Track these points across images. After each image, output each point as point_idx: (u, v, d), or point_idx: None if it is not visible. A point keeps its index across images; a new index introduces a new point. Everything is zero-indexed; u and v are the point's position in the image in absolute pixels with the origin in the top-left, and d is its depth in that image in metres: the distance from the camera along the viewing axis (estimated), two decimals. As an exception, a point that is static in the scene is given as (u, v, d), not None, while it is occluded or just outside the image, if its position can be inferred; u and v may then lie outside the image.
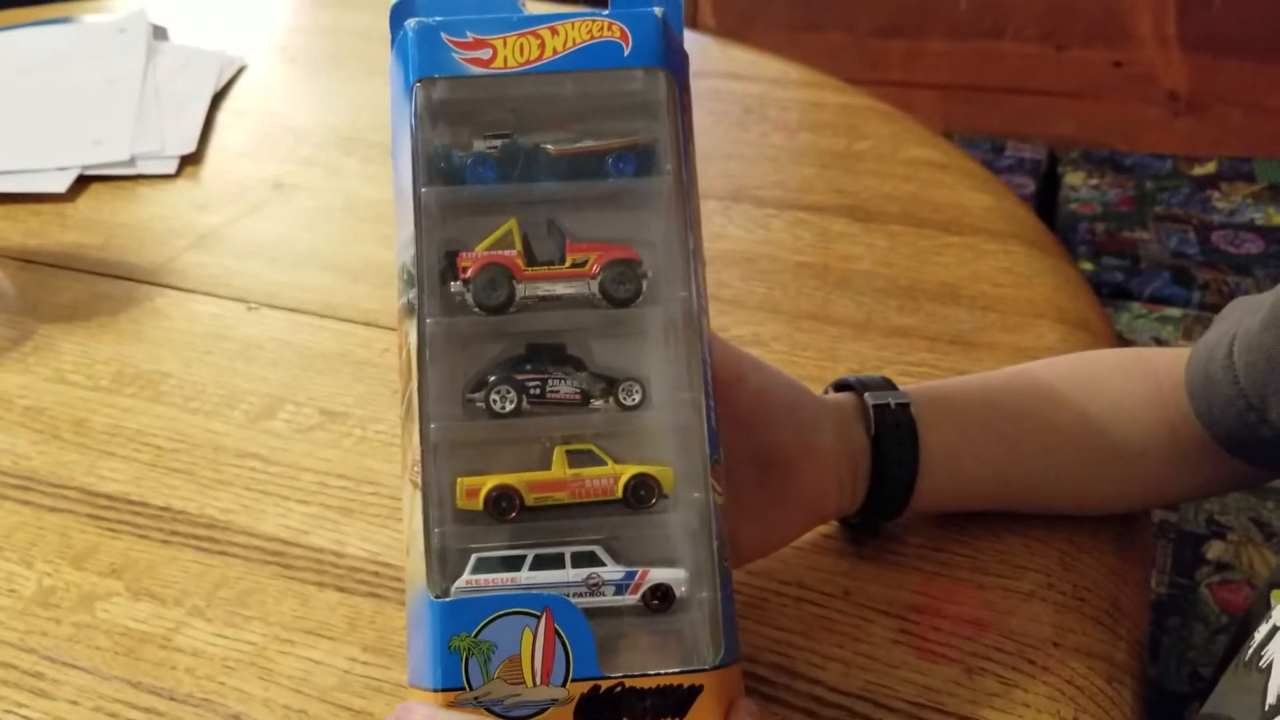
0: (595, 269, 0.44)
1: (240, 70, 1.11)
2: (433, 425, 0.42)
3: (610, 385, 0.44)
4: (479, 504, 0.42)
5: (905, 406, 0.53)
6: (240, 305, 0.75)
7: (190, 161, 0.94)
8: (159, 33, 1.15)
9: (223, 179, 0.92)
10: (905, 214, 0.85)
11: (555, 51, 0.44)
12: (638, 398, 0.44)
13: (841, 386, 0.55)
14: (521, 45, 0.44)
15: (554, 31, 0.44)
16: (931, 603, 0.53)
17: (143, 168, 0.92)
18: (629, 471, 0.43)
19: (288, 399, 0.66)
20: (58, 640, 0.52)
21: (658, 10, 0.45)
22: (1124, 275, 1.47)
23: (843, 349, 0.70)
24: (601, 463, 0.43)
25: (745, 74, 1.11)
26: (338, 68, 1.15)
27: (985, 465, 0.54)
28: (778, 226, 0.84)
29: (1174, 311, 1.41)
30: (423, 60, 0.44)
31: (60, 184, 0.89)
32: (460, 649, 0.40)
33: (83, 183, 0.90)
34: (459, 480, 0.42)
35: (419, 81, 0.44)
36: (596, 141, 0.45)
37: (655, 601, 0.42)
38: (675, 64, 0.45)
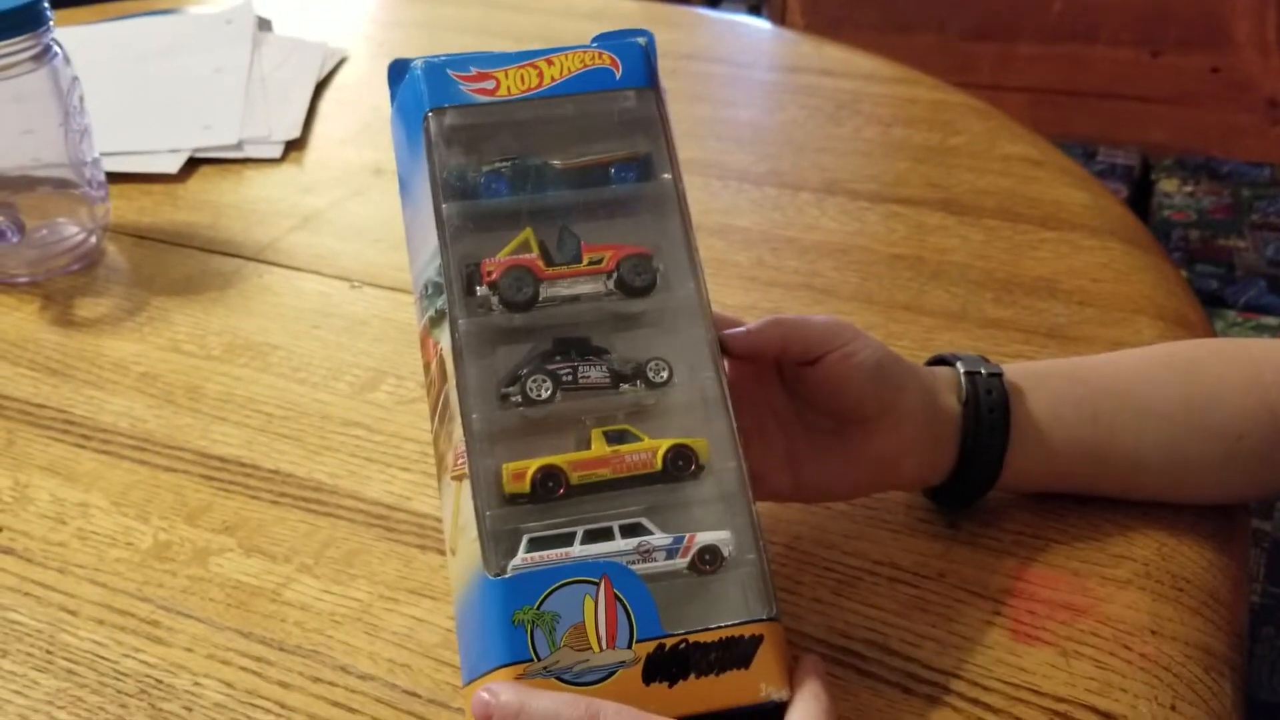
0: (611, 264, 0.47)
1: (341, 61, 1.14)
2: (475, 415, 0.44)
3: (637, 369, 0.47)
4: (526, 486, 0.44)
5: (997, 376, 0.53)
6: (344, 283, 0.78)
7: (294, 147, 0.97)
8: (264, 24, 1.18)
9: (325, 164, 0.95)
10: (1001, 209, 0.85)
11: (553, 79, 0.48)
12: (665, 374, 0.47)
13: (937, 362, 0.56)
14: (522, 75, 0.48)
15: (550, 62, 0.48)
16: (1027, 587, 0.53)
17: (250, 152, 0.95)
18: (666, 444, 0.45)
19: (390, 372, 0.68)
20: (173, 591, 0.54)
21: (640, 40, 0.50)
22: (1219, 283, 1.44)
23: (938, 339, 0.70)
24: (638, 439, 0.46)
25: (837, 70, 1.11)
26: (435, 60, 1.17)
27: (1077, 441, 0.54)
28: (872, 219, 0.84)
29: (1270, 320, 1.37)
30: (433, 93, 0.47)
31: (172, 166, 0.93)
32: (524, 622, 0.41)
33: (193, 165, 0.94)
34: (504, 466, 0.44)
35: (431, 111, 0.47)
36: (598, 155, 0.49)
37: (704, 564, 0.44)
38: (658, 87, 0.50)
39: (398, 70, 0.50)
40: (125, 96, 1.03)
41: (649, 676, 0.41)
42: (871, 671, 0.49)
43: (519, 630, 0.41)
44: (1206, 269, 1.47)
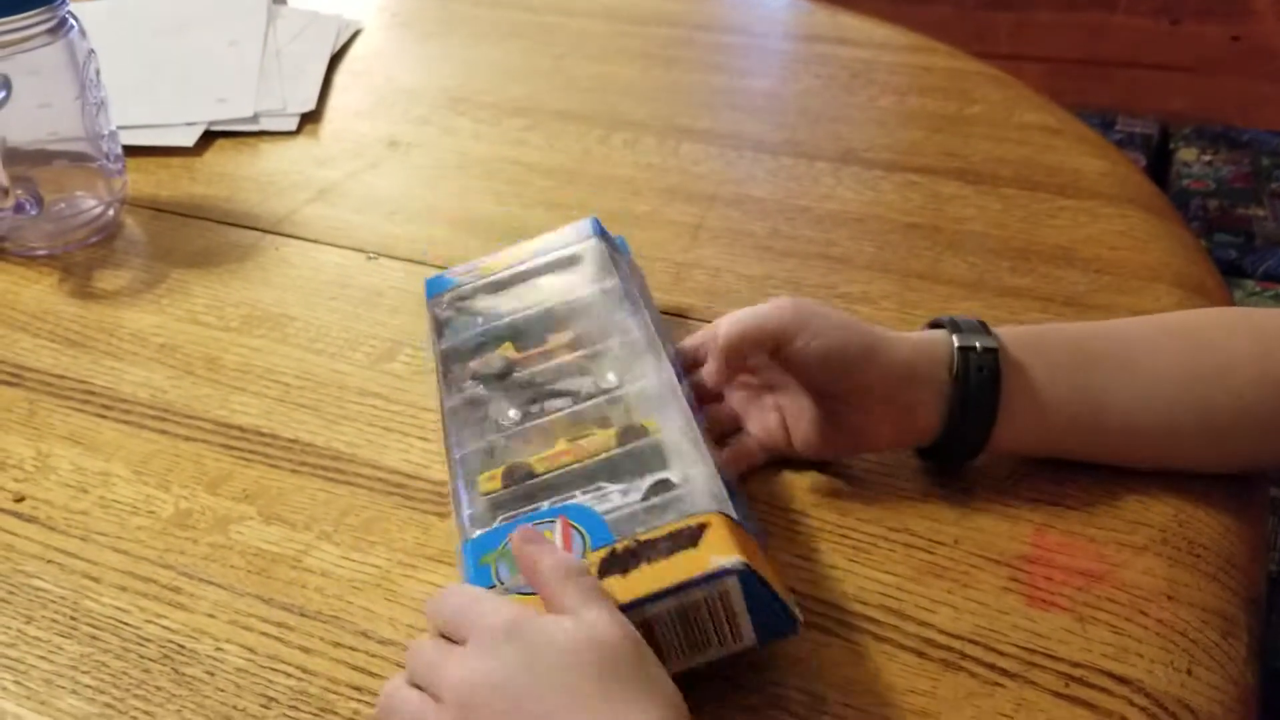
0: (569, 337, 0.58)
1: (356, 34, 1.14)
2: (454, 446, 0.54)
3: (592, 385, 0.55)
4: (498, 484, 0.50)
5: (992, 351, 0.53)
6: (360, 255, 0.78)
7: (310, 120, 0.97)
8: (278, -3, 1.18)
9: (341, 136, 0.95)
10: (1018, 177, 0.84)
11: (525, 255, 0.65)
12: (613, 378, 0.54)
13: (937, 325, 0.56)
14: (505, 259, 0.65)
15: (520, 248, 0.66)
16: (1043, 553, 0.53)
17: (265, 124, 0.95)
18: (617, 428, 0.52)
19: (406, 343, 0.68)
20: (194, 558, 0.54)
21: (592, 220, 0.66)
22: (1237, 253, 1.43)
23: (954, 308, 0.70)
24: (593, 434, 0.52)
25: (852, 38, 1.11)
26: (448, 32, 1.17)
27: (1071, 411, 0.54)
28: (887, 188, 0.84)
29: (1290, 290, 1.37)
30: (431, 290, 0.66)
31: (188, 139, 0.93)
32: (490, 562, 0.46)
33: (209, 138, 0.94)
34: (478, 476, 0.50)
35: (432, 299, 0.65)
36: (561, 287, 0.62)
37: (655, 494, 0.48)
38: (610, 243, 0.65)
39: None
40: (141, 70, 1.03)
41: (604, 574, 0.44)
42: (887, 637, 0.49)
43: (485, 569, 0.46)
44: (1225, 238, 1.47)
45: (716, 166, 0.88)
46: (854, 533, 0.54)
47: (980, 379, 0.53)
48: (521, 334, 0.59)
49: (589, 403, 0.54)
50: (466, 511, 0.50)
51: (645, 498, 0.48)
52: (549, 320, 0.60)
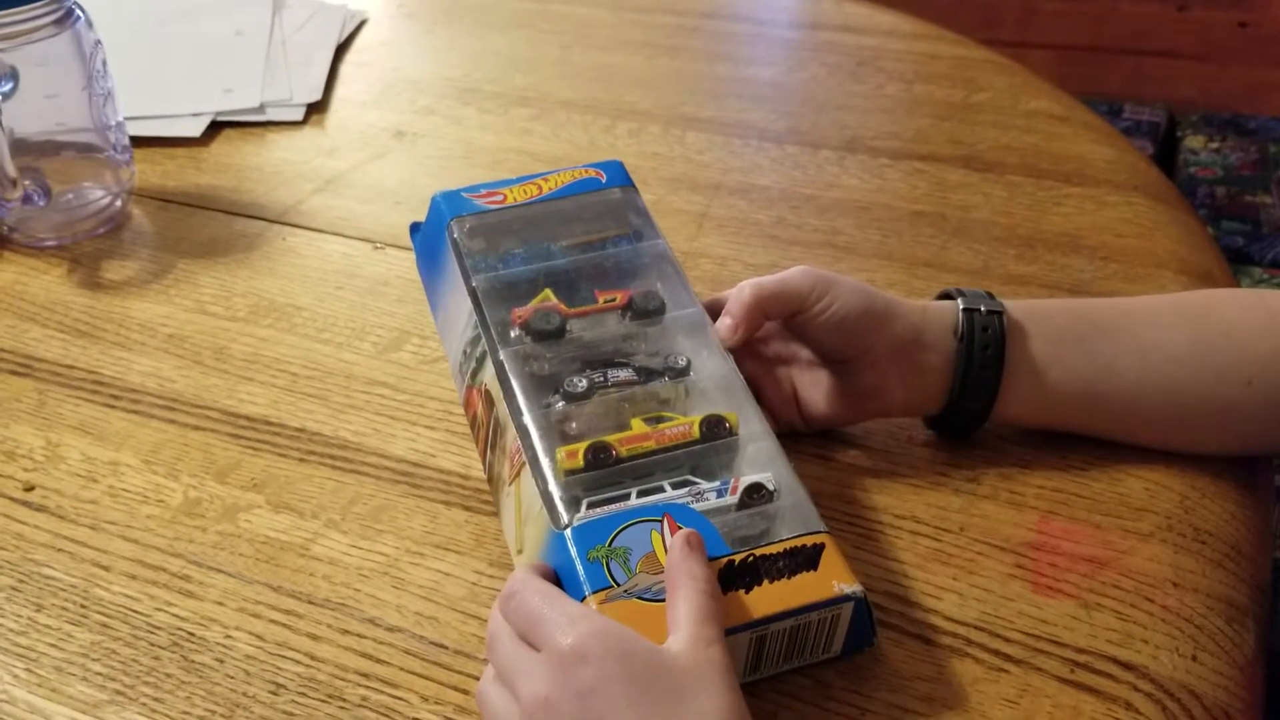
0: (624, 301, 0.55)
1: (361, 24, 1.14)
2: (524, 415, 0.50)
3: (660, 364, 0.53)
4: (579, 462, 0.48)
5: (997, 314, 0.54)
6: (367, 245, 0.78)
7: (316, 110, 0.97)
8: (284, -13, 1.18)
9: (347, 127, 0.95)
10: (1024, 165, 0.84)
11: (550, 189, 0.59)
12: (684, 362, 0.53)
13: (945, 296, 0.58)
14: (524, 189, 0.58)
15: (546, 179, 0.59)
16: (1048, 540, 0.53)
17: (272, 115, 0.96)
18: (700, 416, 0.50)
19: (414, 333, 0.69)
20: (203, 547, 0.54)
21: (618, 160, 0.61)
22: (1244, 240, 1.43)
23: (959, 295, 0.70)
24: (672, 419, 0.51)
25: (859, 26, 1.10)
26: (453, 22, 1.17)
27: (1074, 379, 0.55)
28: (893, 176, 0.84)
29: (1297, 277, 1.36)
30: (451, 209, 0.58)
31: (195, 129, 0.93)
32: (599, 558, 0.44)
33: (215, 128, 0.94)
34: (557, 450, 0.49)
35: (453, 220, 0.57)
36: (597, 233, 0.58)
37: (752, 499, 0.48)
38: (635, 189, 0.60)
39: (416, 227, 0.61)
40: (147, 60, 1.03)
41: (725, 587, 0.44)
42: (892, 624, 0.49)
43: (596, 565, 0.44)
44: (1232, 225, 1.46)
45: (721, 155, 0.88)
46: (860, 520, 0.55)
47: (985, 339, 0.54)
48: (563, 284, 0.56)
49: (657, 381, 0.52)
50: (557, 493, 0.47)
51: (742, 504, 0.47)
52: (595, 275, 0.56)
